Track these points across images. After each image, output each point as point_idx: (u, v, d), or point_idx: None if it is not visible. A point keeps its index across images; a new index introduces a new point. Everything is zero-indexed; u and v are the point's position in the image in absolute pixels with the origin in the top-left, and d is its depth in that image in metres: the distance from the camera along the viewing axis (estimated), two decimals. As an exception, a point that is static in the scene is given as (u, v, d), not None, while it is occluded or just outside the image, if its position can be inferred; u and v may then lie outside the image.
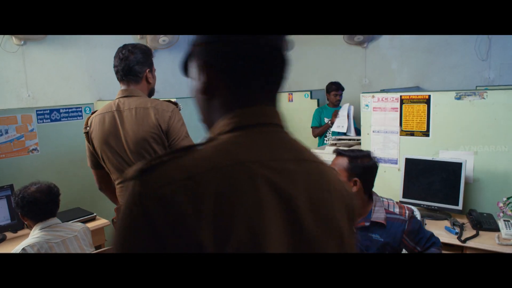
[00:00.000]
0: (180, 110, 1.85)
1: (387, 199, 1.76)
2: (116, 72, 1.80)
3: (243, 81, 0.64)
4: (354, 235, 0.72)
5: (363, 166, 1.66)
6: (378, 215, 1.67)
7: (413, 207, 1.83)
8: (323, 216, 0.63)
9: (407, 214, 1.68)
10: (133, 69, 1.76)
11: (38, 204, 1.80)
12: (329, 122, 4.34)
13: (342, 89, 4.42)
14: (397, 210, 1.70)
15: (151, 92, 1.89)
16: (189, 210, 0.50)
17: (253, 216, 0.54)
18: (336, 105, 4.43)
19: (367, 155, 1.70)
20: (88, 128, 1.81)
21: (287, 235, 0.57)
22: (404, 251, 1.73)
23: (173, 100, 1.89)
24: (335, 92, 4.37)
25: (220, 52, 0.65)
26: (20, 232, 2.46)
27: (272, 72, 0.67)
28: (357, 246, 1.69)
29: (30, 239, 1.76)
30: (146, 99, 1.78)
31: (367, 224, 1.67)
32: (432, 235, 1.75)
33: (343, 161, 1.69)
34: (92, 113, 1.86)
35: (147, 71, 1.81)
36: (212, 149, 0.58)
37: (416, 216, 1.77)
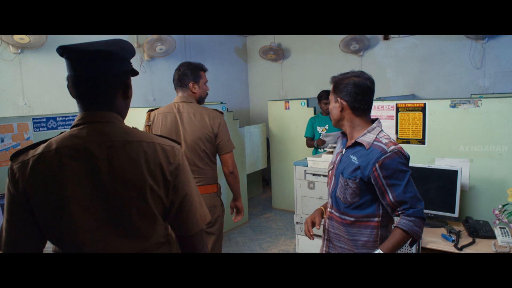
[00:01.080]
0: (224, 116, 2.36)
1: (389, 136, 1.63)
2: (173, 81, 2.39)
3: (75, 94, 1.06)
4: (168, 185, 1.08)
5: (347, 85, 1.60)
6: (365, 138, 1.60)
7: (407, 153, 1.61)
8: (122, 177, 1.01)
9: (391, 148, 1.54)
10: (180, 80, 2.33)
11: None
12: (315, 144, 4.36)
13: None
14: (385, 141, 1.57)
15: (199, 100, 2.39)
16: (20, 178, 0.99)
17: (56, 180, 0.98)
18: (327, 113, 4.44)
19: (356, 75, 1.63)
20: (150, 122, 2.32)
21: (91, 190, 1.00)
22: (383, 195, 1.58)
23: (220, 110, 2.35)
24: (325, 101, 4.35)
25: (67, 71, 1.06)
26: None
27: (81, 86, 1.05)
28: (339, 167, 1.68)
29: None
30: (200, 107, 2.31)
31: (352, 143, 1.64)
32: (413, 197, 1.53)
33: (332, 86, 1.69)
34: (152, 110, 2.35)
35: (191, 83, 2.32)
36: (46, 143, 1.03)
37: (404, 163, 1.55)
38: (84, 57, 1.02)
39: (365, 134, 1.62)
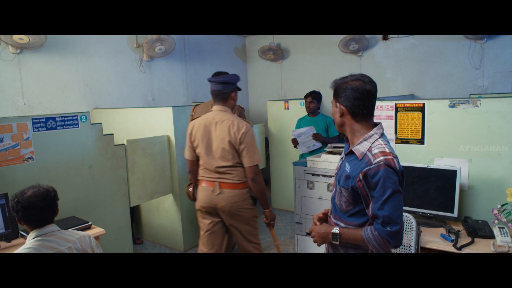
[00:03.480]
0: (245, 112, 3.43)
1: (385, 144, 1.54)
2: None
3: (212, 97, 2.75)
4: (237, 141, 2.54)
5: (345, 90, 1.57)
6: (360, 147, 1.55)
7: (396, 165, 1.50)
8: (218, 135, 2.59)
9: (377, 160, 1.46)
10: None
11: (33, 210, 1.72)
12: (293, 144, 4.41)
13: (313, 96, 4.36)
14: (375, 151, 1.50)
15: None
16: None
17: (199, 133, 2.67)
18: (309, 113, 4.46)
19: (356, 78, 1.58)
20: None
21: (207, 139, 2.63)
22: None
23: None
24: (306, 100, 4.40)
25: None
26: (14, 242, 2.43)
27: (213, 95, 2.67)
28: (337, 174, 1.70)
29: (22, 249, 1.71)
30: None
31: (349, 151, 1.61)
32: (387, 216, 1.44)
33: (332, 90, 1.65)
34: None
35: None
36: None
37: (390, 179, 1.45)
38: (213, 84, 2.58)
39: (360, 142, 1.56)
